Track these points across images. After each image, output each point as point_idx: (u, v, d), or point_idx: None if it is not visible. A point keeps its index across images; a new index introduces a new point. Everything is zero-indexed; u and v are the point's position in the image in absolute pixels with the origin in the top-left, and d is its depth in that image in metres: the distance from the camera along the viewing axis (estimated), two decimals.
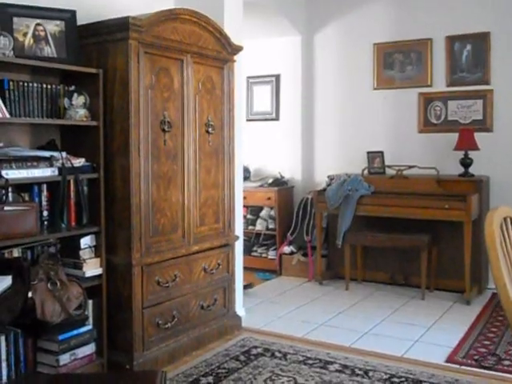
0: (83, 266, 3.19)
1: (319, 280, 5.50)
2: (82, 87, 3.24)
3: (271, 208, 6.13)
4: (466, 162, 5.14)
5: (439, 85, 5.56)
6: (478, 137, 5.13)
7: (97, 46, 3.34)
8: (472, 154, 5.13)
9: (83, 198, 3.21)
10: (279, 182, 6.19)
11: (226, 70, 3.96)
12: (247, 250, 5.90)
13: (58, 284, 2.96)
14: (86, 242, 3.22)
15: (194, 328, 3.76)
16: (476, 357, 3.62)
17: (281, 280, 5.75)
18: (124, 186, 3.29)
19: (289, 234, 5.95)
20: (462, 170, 5.17)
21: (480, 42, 5.33)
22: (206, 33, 3.73)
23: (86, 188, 3.28)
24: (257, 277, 5.82)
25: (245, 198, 5.23)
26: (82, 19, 3.32)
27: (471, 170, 5.14)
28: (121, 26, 3.19)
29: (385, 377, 3.33)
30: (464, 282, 4.81)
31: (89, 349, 3.21)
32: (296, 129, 6.29)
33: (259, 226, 6.20)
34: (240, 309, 4.34)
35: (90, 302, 3.26)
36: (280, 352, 3.72)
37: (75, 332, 3.13)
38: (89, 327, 3.23)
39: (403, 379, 3.29)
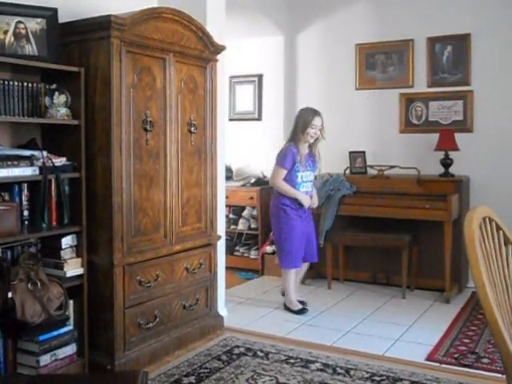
0: (64, 266, 3.16)
1: (301, 279, 5.51)
2: (64, 86, 3.21)
3: (253, 207, 6.14)
4: (446, 163, 5.20)
5: (420, 85, 5.61)
6: (459, 137, 5.19)
7: (78, 45, 3.31)
8: (452, 155, 5.19)
9: (64, 198, 3.19)
10: (261, 182, 6.20)
11: (208, 70, 3.95)
12: (229, 250, 5.88)
13: (39, 284, 2.93)
14: (67, 241, 3.20)
15: (176, 328, 3.75)
16: (456, 355, 3.66)
17: (263, 280, 5.76)
18: (106, 186, 3.27)
19: (271, 234, 5.95)
20: (442, 170, 5.22)
21: (461, 43, 5.39)
22: (188, 32, 3.72)
23: (67, 187, 3.25)
24: (239, 276, 5.83)
25: (227, 197, 5.24)
26: (63, 17, 3.29)
27: (451, 170, 5.20)
28: (103, 25, 3.17)
29: (366, 375, 3.35)
30: (444, 280, 4.86)
31: (70, 349, 3.19)
32: (278, 129, 6.30)
33: (241, 225, 6.20)
34: (222, 308, 4.34)
35: (71, 302, 3.23)
36: (262, 351, 3.72)
37: (56, 332, 3.11)
38: (69, 327, 3.21)
39: (384, 378, 3.32)
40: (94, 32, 3.23)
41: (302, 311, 4.56)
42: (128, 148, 3.33)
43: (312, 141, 4.54)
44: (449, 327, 4.21)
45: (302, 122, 4.50)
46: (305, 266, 4.83)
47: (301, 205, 4.52)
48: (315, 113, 4.54)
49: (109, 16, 3.13)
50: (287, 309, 4.62)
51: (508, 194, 5.14)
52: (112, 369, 3.27)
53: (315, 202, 4.71)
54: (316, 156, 4.63)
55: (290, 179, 4.48)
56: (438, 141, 5.19)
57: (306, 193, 4.57)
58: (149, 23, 3.41)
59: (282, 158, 4.50)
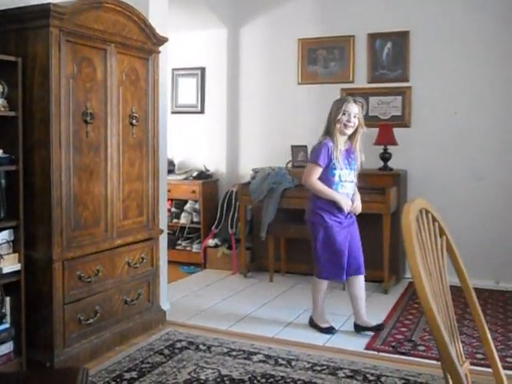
0: (0, 261, 3.07)
1: (244, 272, 5.55)
2: (0, 76, 3.10)
3: (196, 201, 6.12)
4: (385, 157, 5.33)
5: (361, 81, 5.72)
6: (397, 132, 5.32)
7: (16, 33, 3.20)
8: (391, 149, 5.32)
9: (0, 192, 3.09)
10: (204, 175, 6.19)
11: (150, 62, 3.91)
12: (171, 244, 5.85)
13: None
14: (3, 236, 3.10)
15: (118, 323, 3.70)
16: (393, 343, 3.77)
17: (205, 273, 5.76)
18: (44, 179, 3.19)
19: (213, 227, 5.95)
20: (381, 164, 5.35)
21: (400, 40, 5.52)
22: (130, 23, 3.67)
23: (3, 181, 3.14)
24: (181, 270, 5.80)
25: (169, 191, 5.20)
26: (0, 4, 3.19)
27: (390, 164, 5.33)
28: (42, 13, 3.08)
29: (307, 366, 3.41)
30: (383, 271, 4.98)
31: (6, 348, 3.11)
32: (221, 122, 6.30)
33: (184, 219, 6.17)
34: (164, 303, 4.31)
35: (8, 299, 3.15)
36: (204, 345, 3.73)
37: None
38: (6, 325, 3.13)
39: (325, 367, 3.38)
40: (33, 20, 3.14)
41: (329, 330, 3.98)
42: (67, 140, 3.25)
43: (349, 132, 3.83)
44: (387, 317, 4.33)
45: (334, 110, 3.84)
46: (358, 282, 4.00)
47: (340, 209, 3.84)
48: (348, 99, 3.88)
49: (48, 4, 3.05)
50: (313, 325, 4.05)
51: (443, 187, 5.32)
52: (51, 366, 3.20)
53: (358, 207, 3.94)
54: (356, 152, 3.89)
55: (326, 178, 3.81)
56: (378, 135, 5.31)
57: (347, 195, 3.88)
58: (90, 13, 3.34)
59: (315, 154, 3.83)
